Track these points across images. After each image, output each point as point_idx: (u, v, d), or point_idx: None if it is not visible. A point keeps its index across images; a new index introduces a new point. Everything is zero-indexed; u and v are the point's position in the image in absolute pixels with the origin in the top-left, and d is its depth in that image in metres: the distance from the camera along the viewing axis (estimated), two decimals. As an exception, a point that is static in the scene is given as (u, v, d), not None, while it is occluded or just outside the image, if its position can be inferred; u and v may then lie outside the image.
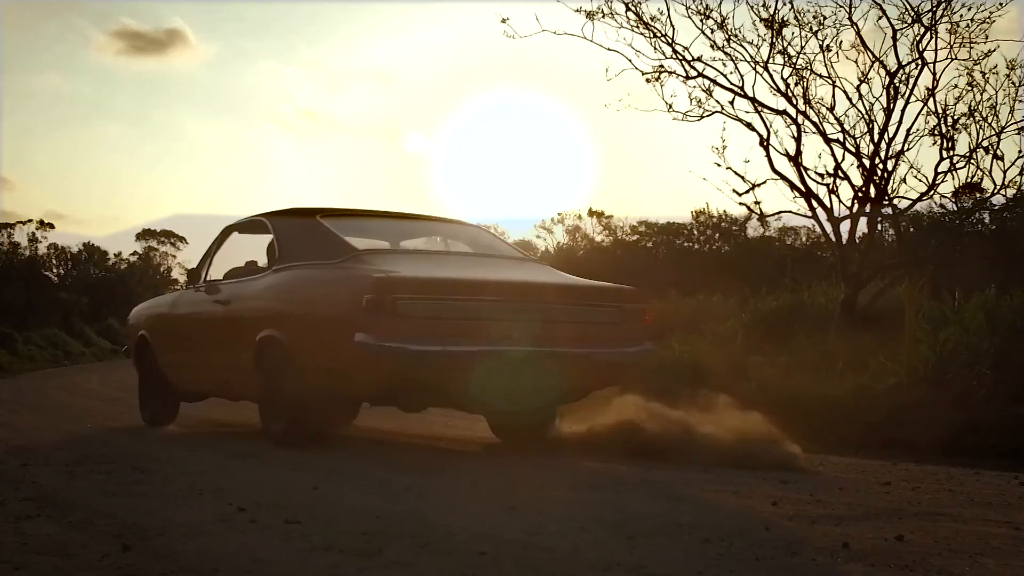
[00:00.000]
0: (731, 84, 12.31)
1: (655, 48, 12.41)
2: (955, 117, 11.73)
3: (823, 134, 12.12)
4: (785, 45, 12.07)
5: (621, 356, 7.88)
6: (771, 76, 12.17)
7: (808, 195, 12.18)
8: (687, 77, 12.42)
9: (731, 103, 12.38)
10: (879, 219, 12.54)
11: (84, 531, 4.78)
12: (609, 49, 12.42)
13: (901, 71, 11.76)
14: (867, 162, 11.92)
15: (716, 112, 12.44)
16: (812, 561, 4.11)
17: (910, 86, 11.78)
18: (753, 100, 12.29)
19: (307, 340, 7.74)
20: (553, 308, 7.66)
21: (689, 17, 12.24)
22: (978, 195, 12.42)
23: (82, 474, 6.88)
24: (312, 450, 7.75)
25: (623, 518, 5.05)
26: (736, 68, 12.26)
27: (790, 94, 12.16)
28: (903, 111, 11.83)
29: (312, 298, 7.98)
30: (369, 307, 6.96)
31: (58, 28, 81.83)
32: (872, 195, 11.96)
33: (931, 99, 11.74)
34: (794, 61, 12.08)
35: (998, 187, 11.82)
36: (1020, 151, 11.81)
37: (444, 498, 5.73)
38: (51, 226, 63.95)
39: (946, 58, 11.64)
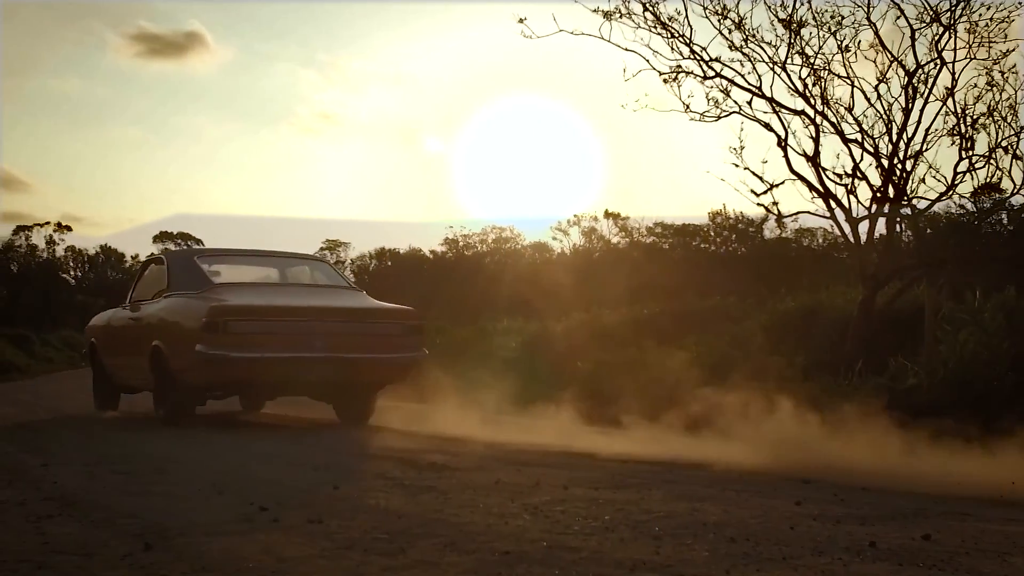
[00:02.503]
0: (749, 84, 12.26)
1: (672, 48, 12.36)
2: (974, 117, 11.65)
3: (841, 134, 12.05)
4: (803, 45, 12.02)
5: (401, 359, 10.93)
6: (789, 76, 12.12)
7: (826, 195, 12.12)
8: (705, 77, 12.37)
9: (749, 103, 12.32)
10: (898, 219, 12.46)
11: (105, 530, 4.78)
12: (627, 49, 12.37)
13: (920, 71, 11.69)
14: (885, 162, 11.85)
15: (734, 112, 12.37)
16: (839, 560, 4.08)
17: (929, 86, 11.70)
18: (771, 100, 12.23)
19: (174, 348, 10.59)
20: (347, 325, 10.69)
21: (707, 17, 12.20)
22: (997, 195, 12.35)
23: (101, 474, 6.90)
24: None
25: (647, 518, 5.03)
26: (754, 68, 12.21)
27: (808, 94, 12.10)
28: (922, 111, 11.76)
29: (177, 318, 10.80)
30: (205, 326, 10.04)
31: (76, 31, 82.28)
32: (891, 195, 11.91)
33: (950, 99, 11.66)
34: (812, 61, 12.02)
35: (1017, 187, 11.73)
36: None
37: (466, 498, 5.71)
38: (68, 228, 64.47)
39: (965, 58, 11.57)
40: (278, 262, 12.59)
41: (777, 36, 12.06)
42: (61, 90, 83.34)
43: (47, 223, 63.61)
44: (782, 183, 12.32)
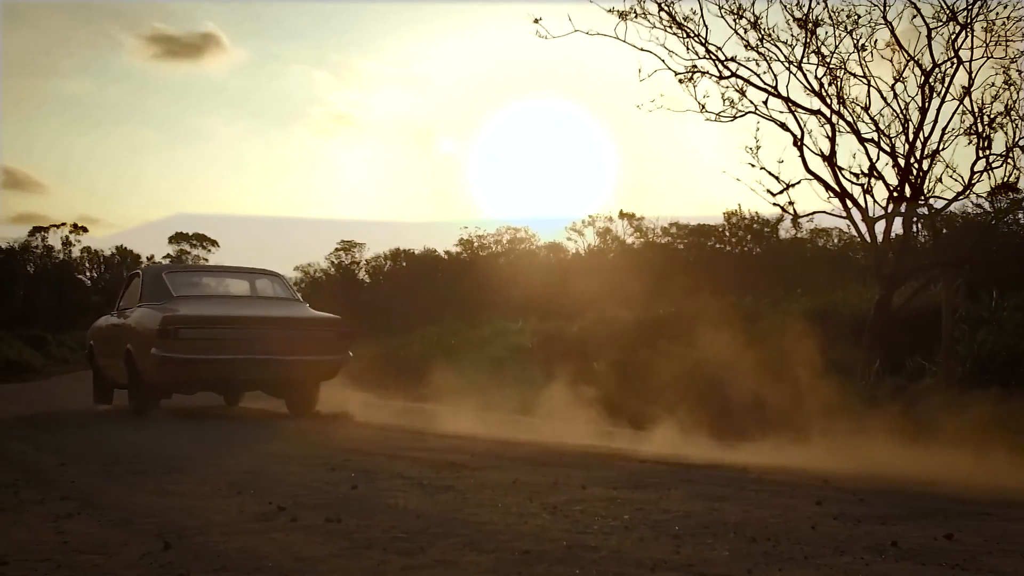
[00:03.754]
0: (765, 84, 12.24)
1: (688, 48, 12.36)
2: (991, 116, 11.61)
3: (857, 134, 12.02)
4: (819, 44, 12.00)
5: (329, 360, 12.51)
6: (805, 76, 12.10)
7: (843, 195, 12.09)
8: (720, 77, 12.36)
9: (764, 103, 12.30)
10: (914, 219, 12.42)
11: (124, 529, 4.78)
12: (642, 49, 12.37)
13: (936, 70, 11.66)
14: (902, 161, 11.82)
15: (749, 112, 12.37)
16: (862, 560, 4.06)
17: (945, 85, 11.67)
18: (787, 100, 12.21)
19: (139, 351, 12.15)
20: (282, 331, 12.25)
21: (722, 17, 12.18)
22: (1014, 195, 12.30)
23: (118, 474, 6.91)
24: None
25: (666, 517, 5.02)
26: (770, 68, 12.19)
27: (824, 94, 12.08)
28: (938, 110, 11.73)
29: (142, 326, 12.31)
30: (158, 333, 11.66)
31: (92, 34, 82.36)
32: (907, 195, 11.88)
33: (967, 98, 11.63)
34: (828, 60, 12.01)
35: (1035, 186, 11.72)
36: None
37: (484, 497, 5.70)
38: (84, 229, 64.71)
39: (982, 56, 11.53)
40: (237, 276, 14.54)
41: (793, 35, 12.06)
42: (77, 92, 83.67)
43: (63, 224, 63.97)
44: (798, 183, 12.31)
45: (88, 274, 65.17)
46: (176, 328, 11.64)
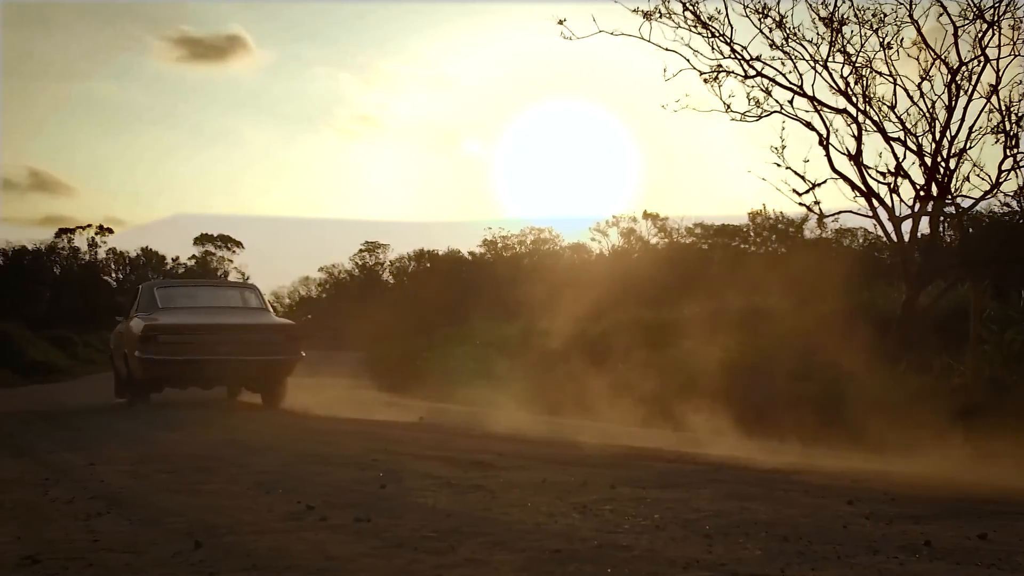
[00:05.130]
0: (790, 83, 12.20)
1: (713, 48, 12.32)
2: (1019, 114, 11.55)
3: (884, 132, 11.96)
4: (844, 43, 11.95)
5: (282, 360, 14.58)
6: (831, 75, 12.05)
7: (869, 194, 12.03)
8: (746, 77, 12.31)
9: (790, 102, 12.26)
10: (941, 218, 12.35)
11: (154, 528, 4.81)
12: (667, 49, 12.35)
13: (963, 68, 11.60)
14: (929, 160, 11.75)
15: (775, 112, 12.33)
16: (895, 559, 4.04)
17: (972, 83, 11.60)
18: (812, 99, 12.17)
19: (130, 353, 14.39)
20: (243, 336, 14.48)
21: (747, 16, 12.13)
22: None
23: (146, 473, 6.95)
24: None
25: (697, 516, 5.01)
26: (795, 67, 12.14)
27: (850, 93, 12.02)
28: (965, 108, 11.65)
29: (132, 332, 14.53)
30: (140, 339, 14.00)
31: (118, 37, 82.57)
32: (934, 194, 11.81)
33: (994, 96, 11.57)
34: (854, 59, 11.96)
35: (1064, 185, 11.63)
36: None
37: (513, 497, 5.69)
38: (110, 231, 64.88)
39: (1009, 54, 11.46)
40: (217, 288, 18.20)
41: (818, 34, 12.00)
42: (104, 94, 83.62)
43: (89, 225, 64.20)
44: (824, 182, 12.25)
45: (114, 275, 65.35)
46: (155, 335, 13.99)
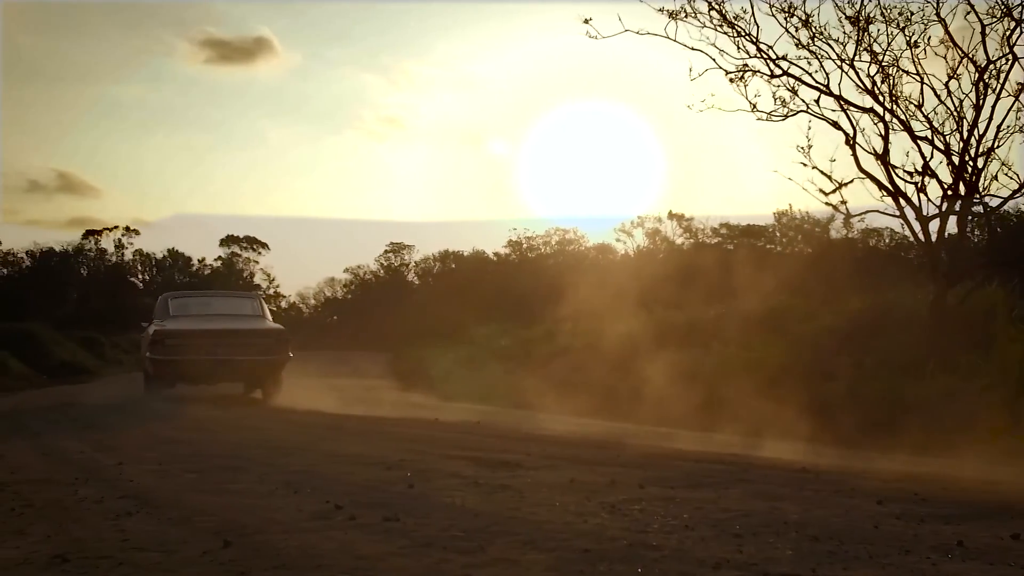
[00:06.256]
0: (816, 82, 12.16)
1: (739, 47, 12.29)
2: (1048, 112, 11.49)
3: (911, 131, 11.91)
4: (871, 42, 11.90)
5: (272, 360, 16.45)
6: (857, 74, 12.01)
7: (896, 193, 11.98)
8: (771, 76, 12.28)
9: (816, 102, 12.22)
10: (969, 217, 12.28)
11: (183, 528, 4.81)
12: (692, 49, 12.33)
13: (991, 66, 11.54)
14: (956, 159, 11.70)
15: (801, 111, 12.29)
16: (928, 560, 4.02)
17: (1000, 81, 11.54)
18: (839, 98, 12.13)
19: (146, 355, 16.62)
20: (238, 339, 16.48)
21: (773, 15, 12.10)
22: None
23: (175, 472, 6.96)
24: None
25: (726, 516, 4.99)
26: (821, 66, 12.10)
27: (877, 92, 11.97)
28: (993, 107, 11.59)
29: (147, 336, 16.92)
30: (151, 343, 16.29)
31: (145, 39, 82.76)
32: (962, 193, 11.75)
33: (1022, 94, 11.51)
34: (881, 58, 11.91)
35: (1092, 184, 11.55)
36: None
37: (542, 496, 5.68)
38: (136, 232, 65.21)
39: (1038, 53, 11.40)
40: (223, 298, 20.12)
41: (845, 33, 11.95)
42: (131, 97, 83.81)
43: (115, 227, 64.53)
44: (851, 182, 12.20)
45: (140, 276, 65.66)
46: (163, 338, 16.23)
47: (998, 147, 11.60)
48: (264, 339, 16.80)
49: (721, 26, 12.25)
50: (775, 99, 12.36)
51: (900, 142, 13.14)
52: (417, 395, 19.08)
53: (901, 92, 11.94)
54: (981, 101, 11.60)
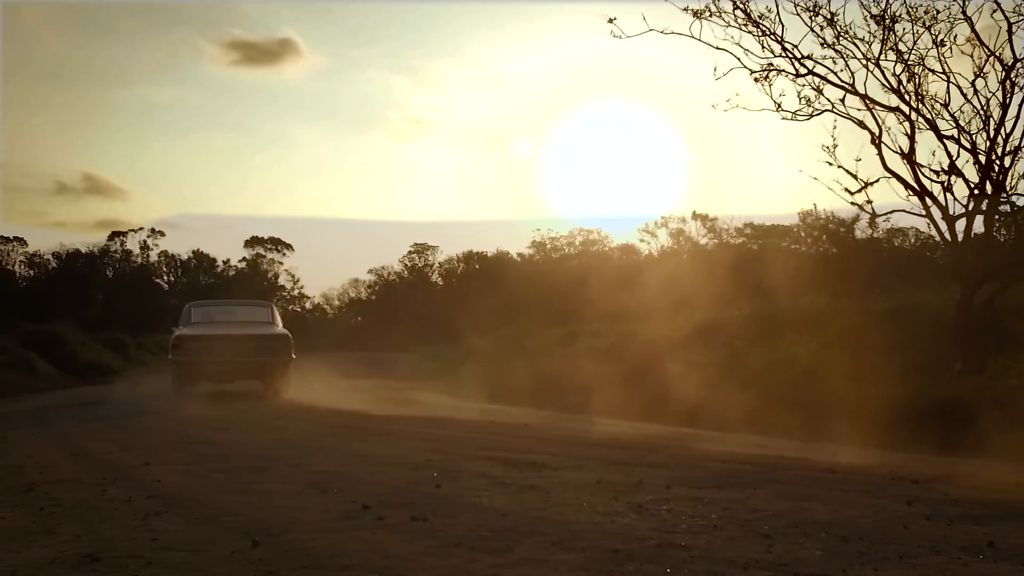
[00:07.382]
0: (842, 82, 12.10)
1: (763, 47, 12.25)
2: (1075, 111, 11.41)
3: (937, 131, 11.84)
4: (897, 41, 11.84)
5: (277, 361, 18.14)
6: (883, 73, 11.94)
7: (922, 193, 11.91)
8: (796, 75, 12.23)
9: (842, 101, 12.16)
10: (996, 217, 12.20)
11: (211, 527, 4.83)
12: (717, 48, 12.29)
13: (1018, 65, 11.47)
14: (983, 158, 11.63)
15: (826, 111, 12.23)
16: (959, 560, 4.00)
17: (1028, 80, 11.48)
18: (864, 97, 12.07)
19: (170, 356, 18.18)
20: (247, 342, 17.99)
21: (798, 14, 12.05)
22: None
23: (202, 472, 6.99)
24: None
25: (755, 516, 4.97)
26: (846, 65, 12.04)
27: (902, 91, 11.91)
28: (1020, 105, 11.51)
29: (170, 340, 18.62)
30: (172, 346, 18.06)
31: (172, 41, 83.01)
32: (988, 192, 11.68)
33: (1050, 93, 11.44)
34: (906, 57, 11.85)
35: (1121, 183, 11.47)
36: None
37: (569, 496, 5.68)
38: (162, 234, 65.57)
39: (1066, 51, 11.33)
40: (239, 306, 21.87)
41: (870, 32, 11.89)
42: (159, 99, 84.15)
43: (141, 228, 64.88)
44: (876, 181, 12.13)
45: (165, 278, 66.02)
46: (183, 343, 17.99)
47: (1025, 146, 11.52)
48: (270, 343, 18.67)
49: (746, 25, 12.21)
50: (800, 98, 12.31)
51: (926, 141, 13.11)
52: (441, 396, 19.08)
53: (927, 91, 11.88)
54: (1008, 99, 11.53)
